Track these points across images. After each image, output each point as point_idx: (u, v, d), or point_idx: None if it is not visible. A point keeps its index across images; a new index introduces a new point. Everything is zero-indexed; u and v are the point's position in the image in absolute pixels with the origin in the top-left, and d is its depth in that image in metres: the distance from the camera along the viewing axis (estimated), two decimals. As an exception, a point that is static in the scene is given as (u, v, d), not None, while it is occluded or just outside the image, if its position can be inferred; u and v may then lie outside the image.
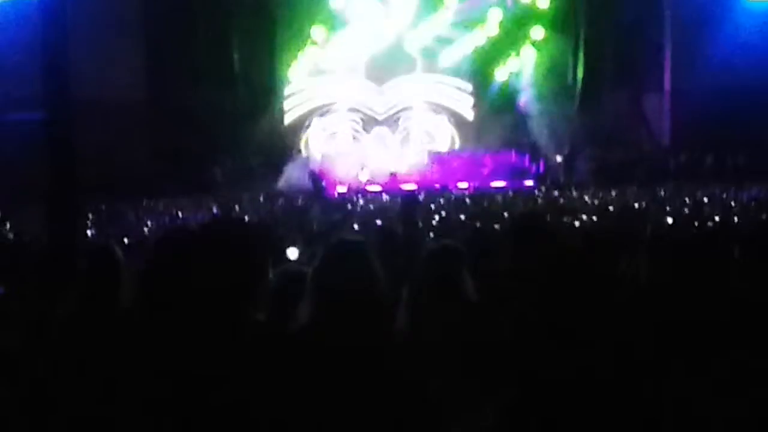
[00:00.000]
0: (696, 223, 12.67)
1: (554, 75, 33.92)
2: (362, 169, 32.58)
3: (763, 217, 14.40)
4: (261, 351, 3.29)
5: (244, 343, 3.29)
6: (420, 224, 12.62)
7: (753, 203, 18.08)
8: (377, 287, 3.79)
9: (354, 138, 34.86)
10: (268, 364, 3.26)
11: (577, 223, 13.09)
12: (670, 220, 13.24)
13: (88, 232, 14.28)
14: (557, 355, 3.81)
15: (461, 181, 31.25)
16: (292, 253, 6.98)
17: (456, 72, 34.59)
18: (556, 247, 4.80)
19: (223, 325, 3.31)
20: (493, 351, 3.96)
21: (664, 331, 3.87)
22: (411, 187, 29.94)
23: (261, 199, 25.19)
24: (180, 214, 20.03)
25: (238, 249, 3.49)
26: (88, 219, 17.50)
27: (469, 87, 34.92)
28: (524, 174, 32.44)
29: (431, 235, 10.75)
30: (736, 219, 13.26)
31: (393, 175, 32.42)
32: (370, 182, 31.80)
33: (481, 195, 25.16)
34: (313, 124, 34.58)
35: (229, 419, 3.13)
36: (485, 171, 32.82)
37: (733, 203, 18.34)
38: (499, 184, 30.73)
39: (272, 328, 3.67)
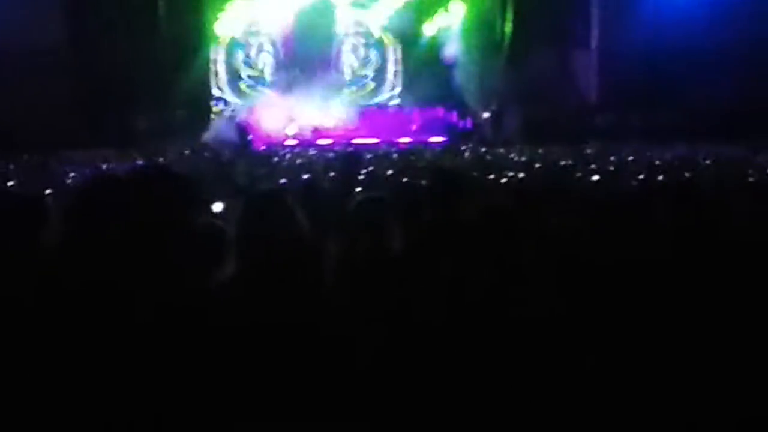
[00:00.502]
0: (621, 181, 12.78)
1: (482, 31, 33.96)
2: (289, 122, 32.46)
3: (687, 175, 14.55)
4: (183, 307, 3.19)
5: (165, 298, 3.19)
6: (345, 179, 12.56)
7: (677, 162, 18.28)
8: (301, 236, 3.74)
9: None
10: (190, 322, 3.17)
11: (503, 180, 13.09)
12: (595, 178, 13.29)
13: (9, 183, 14.01)
14: (486, 304, 3.82)
15: (388, 136, 31.27)
16: (217, 207, 6.87)
17: (384, 26, 34.44)
18: (477, 204, 4.78)
19: (142, 278, 3.20)
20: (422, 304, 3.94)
21: (592, 285, 3.90)
22: (327, 142, 30.02)
23: (186, 151, 24.91)
24: (104, 165, 19.71)
25: (160, 198, 3.38)
26: (7, 169, 17.22)
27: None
28: (451, 130, 32.56)
29: (357, 189, 10.67)
30: (660, 177, 13.36)
31: (318, 129, 32.39)
32: (296, 136, 31.72)
33: (409, 150, 25.14)
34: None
35: (150, 379, 3.04)
36: (411, 127, 32.98)
37: (658, 162, 18.52)
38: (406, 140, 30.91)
39: (195, 282, 3.57)
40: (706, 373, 3.74)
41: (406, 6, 33.87)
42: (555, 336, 3.79)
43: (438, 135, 31.72)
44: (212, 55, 33.44)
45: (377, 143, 29.47)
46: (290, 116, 32.78)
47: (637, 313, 3.82)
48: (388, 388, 3.70)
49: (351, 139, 30.69)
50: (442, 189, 4.97)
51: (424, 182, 7.41)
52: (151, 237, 3.29)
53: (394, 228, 4.47)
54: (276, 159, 21.07)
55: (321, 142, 30.43)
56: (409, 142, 30.02)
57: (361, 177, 12.42)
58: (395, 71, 35.04)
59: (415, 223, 4.77)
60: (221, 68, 33.90)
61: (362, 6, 34.38)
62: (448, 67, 34.34)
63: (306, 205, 4.12)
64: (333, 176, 13.33)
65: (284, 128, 32.27)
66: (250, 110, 32.95)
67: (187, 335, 3.12)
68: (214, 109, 32.96)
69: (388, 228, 4.44)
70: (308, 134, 31.95)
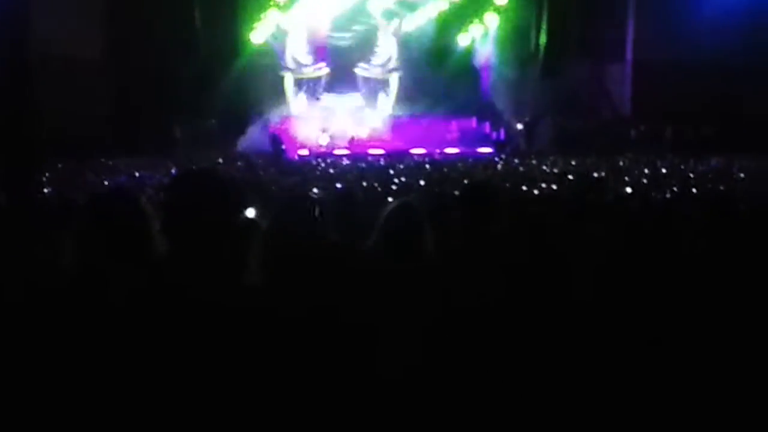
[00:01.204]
0: (654, 193, 12.75)
1: (517, 42, 33.93)
2: (323, 132, 32.57)
3: (721, 188, 14.49)
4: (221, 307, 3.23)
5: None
6: (379, 189, 12.62)
7: (711, 175, 18.20)
8: (329, 240, 3.80)
9: (315, 101, 34.70)
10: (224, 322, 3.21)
11: (536, 192, 13.10)
12: (628, 190, 13.27)
13: (45, 191, 14.12)
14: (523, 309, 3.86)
15: (421, 146, 31.29)
16: (250, 213, 6.94)
17: (418, 37, 34.46)
18: (510, 215, 4.82)
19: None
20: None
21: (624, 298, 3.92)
22: (377, 152, 30.02)
23: (220, 160, 25.02)
24: (138, 174, 19.83)
25: (212, 200, 3.40)
26: (44, 177, 17.32)
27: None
28: (485, 141, 32.57)
29: (390, 199, 10.71)
30: (694, 190, 13.33)
31: (353, 139, 32.46)
32: (331, 146, 31.79)
33: (441, 161, 25.13)
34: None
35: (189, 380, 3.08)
36: (446, 137, 32.96)
37: (691, 174, 18.45)
38: (454, 150, 30.82)
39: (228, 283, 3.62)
40: (738, 377, 3.75)
41: (440, 16, 33.87)
42: (586, 343, 3.82)
43: (471, 145, 31.70)
44: (247, 65, 33.50)
45: (420, 154, 29.49)
46: (324, 126, 32.90)
47: (670, 321, 3.84)
48: (414, 390, 3.75)
49: (385, 149, 30.80)
50: (474, 201, 4.99)
51: (456, 193, 7.45)
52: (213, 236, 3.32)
53: (426, 233, 4.49)
54: (309, 168, 21.15)
55: (345, 152, 30.45)
56: (455, 153, 29.94)
57: (393, 187, 12.49)
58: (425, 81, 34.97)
59: (446, 231, 4.79)
60: (256, 77, 33.96)
61: (396, 15, 34.40)
62: (482, 78, 34.37)
63: (340, 213, 4.18)
64: (366, 186, 13.37)
65: (318, 138, 32.38)
66: (284, 120, 33.07)
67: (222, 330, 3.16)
68: (249, 118, 32.98)
69: (419, 233, 4.46)
70: (342, 144, 32.03)
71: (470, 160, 26.10)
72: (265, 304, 3.27)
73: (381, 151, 30.23)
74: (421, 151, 30.46)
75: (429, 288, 4.10)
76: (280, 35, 34.10)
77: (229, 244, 3.38)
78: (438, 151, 30.20)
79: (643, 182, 15.80)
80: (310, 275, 3.67)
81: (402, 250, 4.32)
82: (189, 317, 3.01)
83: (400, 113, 34.73)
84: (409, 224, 4.40)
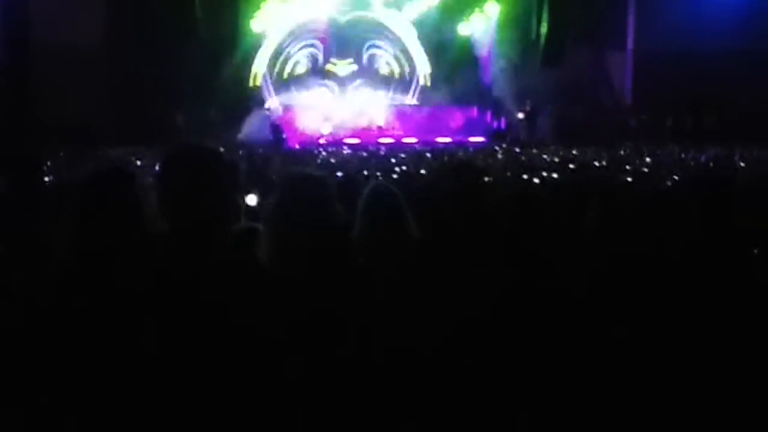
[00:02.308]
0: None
1: (517, 31, 33.89)
2: (324, 121, 32.55)
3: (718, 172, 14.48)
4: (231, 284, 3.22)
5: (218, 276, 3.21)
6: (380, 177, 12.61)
7: (712, 164, 18.19)
8: (335, 219, 3.79)
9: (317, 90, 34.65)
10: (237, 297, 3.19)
11: (537, 180, 13.09)
12: (629, 179, 13.26)
13: (47, 179, 14.09)
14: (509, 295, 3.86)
15: (424, 135, 31.33)
16: (251, 199, 6.97)
17: (419, 26, 34.39)
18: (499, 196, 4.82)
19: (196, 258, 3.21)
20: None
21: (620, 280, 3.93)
22: (385, 140, 30.04)
23: (221, 149, 24.98)
24: (139, 162, 19.80)
25: (211, 175, 3.36)
26: (46, 165, 17.29)
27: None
28: (485, 130, 32.58)
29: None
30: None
31: (354, 128, 32.45)
32: (332, 135, 31.77)
33: (442, 150, 25.12)
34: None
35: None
36: (450, 126, 32.98)
37: (692, 163, 18.45)
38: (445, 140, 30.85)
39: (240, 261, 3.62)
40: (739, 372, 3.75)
41: (441, 4, 33.82)
42: (580, 328, 3.83)
43: (476, 135, 31.72)
44: (248, 53, 33.47)
45: (414, 143, 29.51)
46: (325, 115, 32.88)
47: (665, 309, 3.84)
48: (409, 379, 3.76)
49: (386, 138, 30.82)
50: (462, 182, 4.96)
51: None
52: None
53: (407, 214, 4.44)
54: (309, 157, 21.14)
55: (352, 141, 30.46)
56: (448, 143, 29.96)
57: (394, 176, 12.48)
58: (426, 71, 34.89)
59: (434, 214, 4.77)
60: (257, 66, 33.94)
61: (396, 5, 34.37)
62: (482, 67, 34.33)
63: (340, 199, 4.16)
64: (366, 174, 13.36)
65: (319, 127, 32.35)
66: (286, 109, 33.04)
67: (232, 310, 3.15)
68: (250, 107, 32.89)
69: (399, 217, 4.41)
70: (344, 133, 32.00)
71: (470, 149, 26.09)
72: (270, 287, 3.27)
73: (389, 140, 30.25)
74: (413, 140, 30.50)
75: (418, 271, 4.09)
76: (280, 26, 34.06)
77: (229, 223, 3.38)
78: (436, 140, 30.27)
79: (643, 171, 15.78)
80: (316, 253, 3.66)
81: (386, 235, 4.30)
82: (191, 300, 3.01)
83: (401, 102, 34.76)
84: (390, 210, 4.37)
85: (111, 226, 3.49)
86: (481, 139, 31.41)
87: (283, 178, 4.17)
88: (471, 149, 26.16)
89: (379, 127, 33.11)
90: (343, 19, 34.32)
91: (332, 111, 33.11)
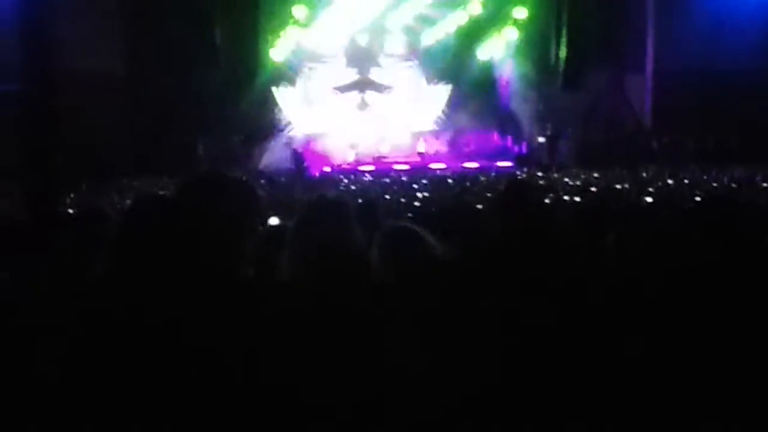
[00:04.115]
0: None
1: (536, 55, 33.92)
2: (349, 149, 32.61)
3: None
4: (247, 305, 3.23)
5: (233, 298, 3.22)
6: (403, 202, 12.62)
7: (734, 185, 18.12)
8: (356, 242, 3.78)
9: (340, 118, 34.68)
10: (252, 318, 3.21)
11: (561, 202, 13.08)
12: (650, 200, 13.23)
13: (68, 211, 14.12)
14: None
15: (445, 161, 31.38)
16: (273, 221, 7.06)
17: (438, 51, 34.44)
18: (543, 217, 4.81)
19: (213, 281, 3.23)
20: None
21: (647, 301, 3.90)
22: (402, 168, 30.04)
23: (243, 178, 25.00)
24: (161, 193, 19.82)
25: (228, 201, 3.39)
26: (67, 197, 17.33)
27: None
28: (506, 155, 32.58)
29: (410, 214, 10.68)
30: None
31: (379, 156, 32.47)
32: (357, 162, 31.80)
33: (463, 175, 25.11)
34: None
35: (216, 377, 3.08)
36: (467, 151, 32.98)
37: (715, 184, 18.38)
38: (473, 165, 30.82)
39: (259, 283, 3.63)
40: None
41: (459, 30, 33.88)
42: (603, 351, 3.80)
43: (500, 160, 31.71)
44: (269, 81, 33.57)
45: (442, 168, 29.53)
46: (349, 143, 32.93)
47: (687, 329, 3.82)
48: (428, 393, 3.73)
49: (411, 165, 30.88)
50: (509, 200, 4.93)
51: (479, 206, 7.39)
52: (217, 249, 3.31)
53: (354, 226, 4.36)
54: (331, 184, 21.18)
55: (367, 168, 30.44)
56: (476, 168, 29.92)
57: (416, 203, 12.48)
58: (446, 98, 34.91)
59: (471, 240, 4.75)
60: (279, 94, 34.05)
61: (414, 32, 34.45)
62: (501, 92, 34.37)
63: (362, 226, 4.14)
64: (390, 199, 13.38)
65: (342, 155, 32.40)
66: (308, 137, 33.07)
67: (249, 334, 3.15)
68: (272, 136, 32.94)
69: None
70: (367, 161, 32.01)
71: (493, 174, 26.06)
72: (294, 302, 3.27)
73: (405, 167, 30.26)
74: (442, 165, 30.51)
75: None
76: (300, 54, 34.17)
77: (252, 245, 3.39)
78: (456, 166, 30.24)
79: (665, 193, 15.74)
80: (336, 275, 3.66)
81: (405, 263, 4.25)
82: (226, 321, 3.02)
83: (424, 129, 34.76)
84: (408, 241, 4.32)
85: (153, 252, 3.47)
86: (509, 163, 31.39)
87: (304, 201, 4.16)
88: (493, 174, 26.12)
89: (421, 153, 33.16)
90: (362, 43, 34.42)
91: (356, 138, 33.13)
